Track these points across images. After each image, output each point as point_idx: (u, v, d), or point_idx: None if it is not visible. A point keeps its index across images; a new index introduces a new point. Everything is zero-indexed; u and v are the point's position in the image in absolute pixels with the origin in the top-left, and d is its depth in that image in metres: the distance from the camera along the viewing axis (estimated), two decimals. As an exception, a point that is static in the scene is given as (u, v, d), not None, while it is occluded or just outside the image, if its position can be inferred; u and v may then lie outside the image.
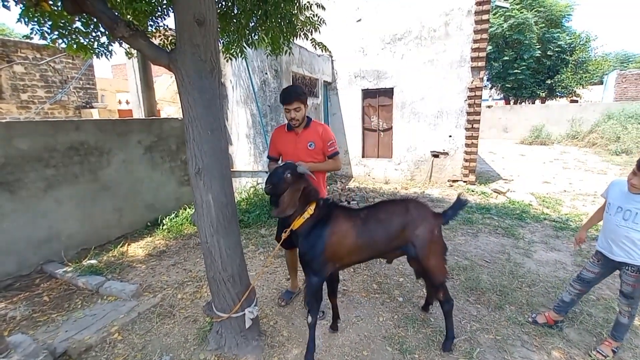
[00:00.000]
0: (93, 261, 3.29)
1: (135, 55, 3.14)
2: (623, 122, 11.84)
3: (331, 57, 7.13)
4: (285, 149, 2.51)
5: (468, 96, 6.25)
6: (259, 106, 4.76)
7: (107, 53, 3.03)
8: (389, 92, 6.98)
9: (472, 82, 6.20)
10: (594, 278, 2.15)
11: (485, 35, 5.99)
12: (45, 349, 1.96)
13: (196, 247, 3.84)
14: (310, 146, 2.44)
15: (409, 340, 2.31)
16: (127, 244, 3.82)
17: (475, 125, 6.33)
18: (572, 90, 17.02)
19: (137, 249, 3.74)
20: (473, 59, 6.11)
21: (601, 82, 18.82)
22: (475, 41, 6.05)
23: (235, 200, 4.94)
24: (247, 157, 5.12)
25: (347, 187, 6.31)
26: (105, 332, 2.31)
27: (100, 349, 2.19)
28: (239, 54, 3.43)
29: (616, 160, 9.36)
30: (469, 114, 6.31)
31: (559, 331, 2.36)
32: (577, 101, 17.39)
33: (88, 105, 6.68)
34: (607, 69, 18.00)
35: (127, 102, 6.05)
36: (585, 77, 16.66)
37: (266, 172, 4.99)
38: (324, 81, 6.82)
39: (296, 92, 2.33)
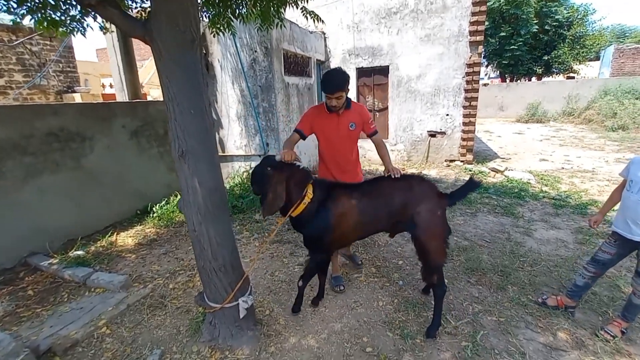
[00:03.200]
0: (80, 252, 3.15)
1: (110, 29, 2.89)
2: (620, 97, 11.73)
3: (324, 34, 6.82)
4: (326, 130, 2.44)
5: (466, 72, 6.05)
6: (249, 86, 4.53)
7: (82, 29, 2.80)
8: (384, 71, 6.74)
9: (470, 58, 5.98)
10: (610, 259, 2.06)
11: (484, 8, 5.73)
12: (27, 347, 1.85)
13: (188, 234, 3.70)
14: (351, 127, 2.43)
15: (410, 325, 2.24)
16: (116, 233, 3.68)
17: (473, 103, 6.16)
18: (569, 66, 16.78)
19: (126, 238, 3.61)
20: (471, 33, 5.86)
21: (598, 58, 18.56)
22: (473, 14, 5.79)
23: (228, 186, 4.81)
24: (239, 140, 4.93)
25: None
26: (92, 326, 2.20)
27: (87, 344, 2.08)
28: (226, 29, 3.20)
29: (613, 137, 9.29)
30: (466, 91, 6.12)
31: (565, 312, 2.30)
32: (573, 77, 17.17)
33: (70, 90, 6.35)
34: (604, 43, 17.70)
35: (111, 86, 5.77)
36: (583, 52, 16.40)
37: (259, 156, 4.84)
38: (317, 60, 6.55)
39: (338, 83, 2.23)
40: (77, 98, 6.05)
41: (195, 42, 1.80)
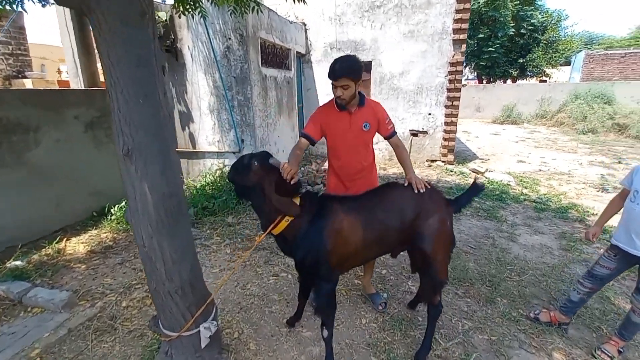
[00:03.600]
0: (18, 262, 2.71)
1: (50, 1, 2.47)
2: (590, 101, 12.15)
3: (305, 25, 6.50)
4: (336, 130, 2.09)
5: (449, 71, 5.93)
6: (223, 77, 4.16)
7: (20, 1, 2.37)
8: (367, 66, 6.50)
9: (453, 56, 5.86)
10: (608, 275, 1.92)
11: (468, 5, 5.61)
12: None
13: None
14: (365, 127, 2.08)
15: (396, 347, 2.02)
16: (65, 239, 3.24)
17: (455, 103, 6.07)
18: (542, 69, 17.32)
19: (77, 245, 3.18)
20: (455, 31, 5.74)
21: (569, 63, 19.29)
22: (457, 11, 5.67)
23: (199, 185, 4.42)
24: (211, 135, 4.55)
25: (323, 168, 5.91)
26: (23, 357, 1.82)
27: (12, 383, 1.71)
28: (195, 10, 2.84)
29: (583, 139, 9.58)
30: (449, 90, 6.01)
31: (558, 329, 2.15)
32: (546, 81, 17.75)
33: (20, 75, 5.68)
34: (575, 49, 18.39)
35: (68, 72, 5.19)
36: (555, 56, 16.95)
37: (234, 154, 4.48)
38: (297, 52, 6.23)
39: (343, 66, 1.85)
40: (29, 84, 5.41)
41: (146, 16, 1.46)
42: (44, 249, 3.00)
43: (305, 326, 2.20)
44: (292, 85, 5.95)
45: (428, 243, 1.73)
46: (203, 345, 1.74)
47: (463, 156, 7.24)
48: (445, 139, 6.26)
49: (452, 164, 6.38)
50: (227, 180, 4.30)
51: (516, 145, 8.78)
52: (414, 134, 6.45)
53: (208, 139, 4.59)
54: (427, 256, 1.75)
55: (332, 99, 2.07)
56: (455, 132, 6.21)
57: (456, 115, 6.09)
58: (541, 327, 2.18)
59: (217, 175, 4.47)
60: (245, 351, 1.99)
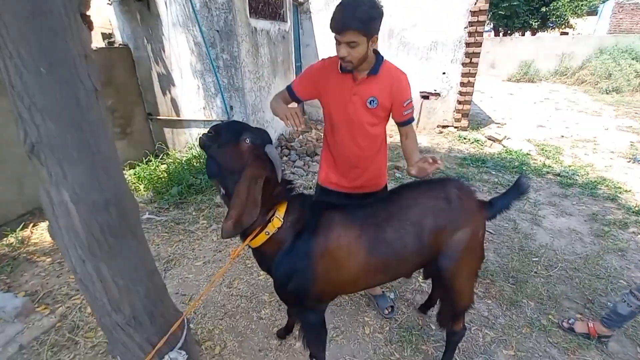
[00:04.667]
0: (-28, 256, 2.37)
1: None
2: (616, 57, 11.10)
3: (302, -33, 5.58)
4: (333, 97, 1.55)
5: (469, 22, 5.14)
6: (203, 31, 3.51)
7: None
8: (373, 17, 5.68)
9: (475, 3, 5.04)
10: None
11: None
12: None
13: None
14: (370, 104, 1.50)
15: (406, 367, 1.71)
16: (32, 224, 2.88)
17: (474, 60, 5.35)
18: (566, 20, 15.78)
19: (45, 232, 2.82)
20: (479, -28, 4.87)
21: (595, 12, 17.55)
22: (484, -54, 4.75)
23: (185, 158, 3.95)
24: (195, 101, 4.00)
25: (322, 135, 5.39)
26: (-43, 387, 1.52)
27: (-58, 423, 1.42)
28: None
29: (607, 100, 8.82)
30: (468, 45, 5.27)
31: (597, 342, 1.82)
32: (567, 34, 16.27)
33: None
34: (603, -4, 16.61)
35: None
36: (582, 5, 15.34)
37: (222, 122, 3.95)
38: (294, 0, 5.40)
39: (351, 14, 1.26)
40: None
41: None
42: (5, 238, 2.65)
43: (299, 338, 1.88)
44: (289, 41, 5.22)
45: (451, 265, 1.31)
46: (171, 378, 1.42)
47: (477, 120, 6.63)
48: (460, 102, 5.63)
49: (466, 130, 5.82)
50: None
51: (534, 107, 8.08)
52: (425, 96, 5.82)
53: (192, 105, 4.04)
54: (448, 279, 1.35)
55: (336, 57, 1.48)
56: (471, 94, 5.56)
57: (474, 75, 5.40)
58: (577, 341, 1.84)
59: (204, 146, 3.99)
60: (227, 372, 1.68)
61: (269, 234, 1.23)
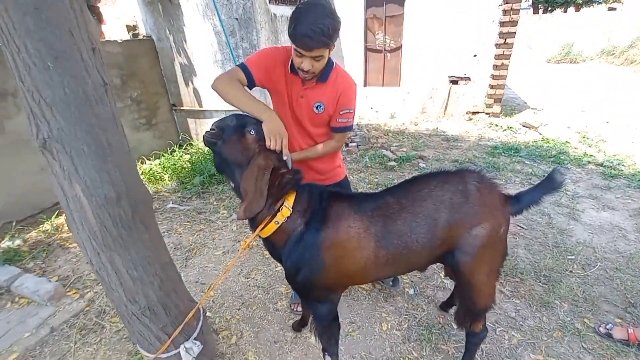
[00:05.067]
0: (12, 242, 2.54)
1: None
2: (674, 32, 9.96)
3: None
4: (281, 93, 1.48)
5: (504, -1, 4.76)
6: (222, 20, 3.48)
7: None
8: (399, -2, 5.41)
9: (511, -21, 4.65)
10: None
11: None
12: None
13: (157, 211, 3.06)
14: (317, 109, 1.48)
15: (424, 367, 1.64)
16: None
17: (509, 41, 4.97)
18: (616, -8, 14.31)
19: (78, 219, 2.97)
20: (517, -57, 4.46)
21: (651, -18, 15.75)
22: None
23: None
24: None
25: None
26: (-3, 364, 1.65)
27: (-16, 396, 1.55)
28: None
29: (662, 81, 7.97)
30: (502, 24, 4.89)
31: (637, 349, 1.66)
32: (615, 9, 14.76)
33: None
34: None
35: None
36: (635, -25, 13.79)
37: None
38: (316, -16, 5.23)
39: (321, 30, 1.20)
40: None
41: None
42: (41, 225, 2.82)
43: (311, 331, 1.86)
44: (310, 27, 5.08)
45: (468, 261, 1.24)
46: (186, 367, 1.45)
47: (511, 106, 6.23)
48: (492, 87, 5.29)
49: (498, 117, 5.48)
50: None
51: (576, 91, 7.46)
52: (454, 81, 5.52)
53: (214, 95, 4.05)
54: (466, 276, 1.28)
55: (288, 50, 1.42)
56: (505, 77, 5.20)
57: (508, 57, 5.03)
58: (615, 347, 1.69)
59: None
60: (243, 362, 1.70)
61: (278, 223, 1.21)
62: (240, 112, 1.30)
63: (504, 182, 3.44)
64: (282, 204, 1.22)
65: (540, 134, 4.75)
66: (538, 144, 4.42)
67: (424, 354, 1.71)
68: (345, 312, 1.97)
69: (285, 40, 4.21)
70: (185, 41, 3.88)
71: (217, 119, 4.33)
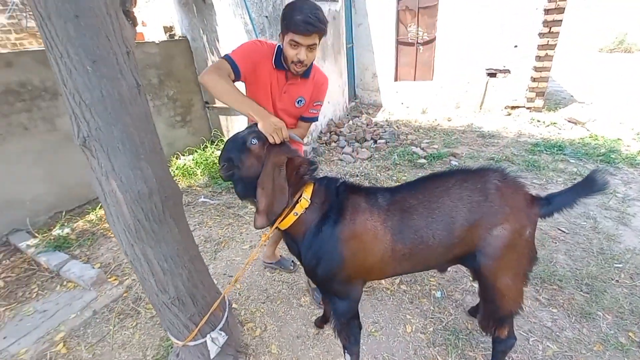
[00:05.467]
0: (62, 230, 2.78)
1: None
2: None
3: (356, -60, 5.28)
4: (264, 89, 1.53)
5: (550, -16, 4.41)
6: (253, 18, 3.54)
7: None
8: (434, -12, 5.20)
9: (559, -38, 4.29)
10: None
11: None
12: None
13: (189, 205, 3.21)
14: (298, 103, 1.60)
15: (449, 373, 1.59)
16: (109, 203, 3.26)
17: (555, 29, 4.61)
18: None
19: (119, 211, 3.18)
20: None
21: None
22: None
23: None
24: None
25: (373, 120, 5.18)
26: (48, 341, 1.82)
27: (36, 369, 1.71)
28: None
29: None
30: (547, 11, 4.54)
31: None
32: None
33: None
34: None
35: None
36: None
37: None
38: (346, -22, 5.17)
39: (316, 17, 1.30)
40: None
41: None
42: (87, 216, 3.06)
43: (331, 328, 1.86)
44: (339, 21, 5.04)
45: (490, 263, 1.20)
46: (213, 356, 1.52)
47: (555, 100, 5.80)
48: (534, 79, 4.94)
49: (541, 111, 5.12)
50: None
51: (631, 84, 6.78)
52: (492, 74, 5.23)
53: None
54: (488, 279, 1.24)
55: (271, 46, 1.47)
56: (549, 69, 4.84)
57: (553, 47, 4.67)
58: (668, 367, 1.53)
59: (255, 133, 4.12)
60: (266, 355, 1.74)
61: (297, 214, 1.24)
62: (231, 136, 1.33)
63: (545, 181, 3.22)
64: (301, 195, 1.25)
65: (587, 130, 4.38)
66: (585, 141, 4.08)
67: (450, 359, 1.66)
68: (369, 312, 1.96)
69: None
70: (217, 40, 3.99)
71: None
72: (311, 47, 1.37)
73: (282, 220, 1.25)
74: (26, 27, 4.63)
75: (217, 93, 1.35)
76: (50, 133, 2.94)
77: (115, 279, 2.29)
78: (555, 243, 2.41)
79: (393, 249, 1.22)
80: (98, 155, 1.14)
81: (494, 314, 1.32)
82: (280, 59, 1.46)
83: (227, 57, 1.41)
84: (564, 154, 3.76)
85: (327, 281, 1.32)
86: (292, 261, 2.30)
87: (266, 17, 3.55)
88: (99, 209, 3.14)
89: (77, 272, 2.24)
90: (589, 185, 1.18)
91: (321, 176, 1.35)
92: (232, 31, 3.82)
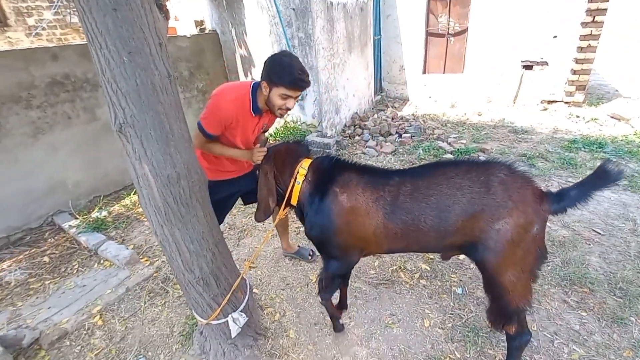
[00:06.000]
0: (100, 213, 2.98)
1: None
2: None
3: None
4: (242, 133, 1.69)
5: (596, -31, 4.11)
6: (280, 11, 3.57)
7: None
8: (466, -24, 4.99)
9: (607, -56, 3.98)
10: None
11: None
12: (3, 343, 1.66)
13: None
14: (263, 127, 1.81)
15: (466, 370, 1.57)
16: (142, 190, 3.46)
17: (599, 18, 4.30)
18: None
19: (151, 197, 3.36)
20: None
21: None
22: None
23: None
24: (274, 81, 4.16)
25: (399, 114, 5.09)
26: (86, 313, 1.98)
27: (76, 337, 1.87)
28: None
29: None
30: (591, -1, 4.24)
31: None
32: None
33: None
34: None
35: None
36: None
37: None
38: (375, -32, 5.07)
39: (306, 72, 1.52)
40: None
41: None
42: (123, 200, 3.25)
43: (354, 318, 1.89)
44: (367, 13, 4.97)
45: (491, 257, 1.20)
46: (234, 335, 1.59)
47: (598, 94, 5.42)
48: (575, 72, 4.65)
49: (581, 106, 4.82)
50: (290, 130, 3.98)
51: (689, 75, 6.20)
52: (528, 66, 4.98)
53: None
54: (490, 273, 1.24)
55: (243, 96, 1.59)
56: (591, 61, 4.53)
57: (597, 37, 4.36)
58: None
59: (280, 125, 4.18)
60: (284, 338, 1.80)
61: (299, 183, 1.44)
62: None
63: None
64: (299, 167, 1.46)
65: (632, 127, 4.07)
66: (629, 138, 3.80)
67: (468, 356, 1.64)
68: (387, 304, 1.96)
69: (339, 28, 4.17)
70: (245, 34, 4.07)
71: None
72: (297, 97, 1.58)
73: (291, 191, 1.46)
74: (70, 23, 4.95)
75: (212, 152, 1.70)
76: (91, 122, 3.15)
77: (146, 260, 2.44)
78: (589, 244, 2.28)
79: (385, 226, 1.30)
80: (132, 141, 1.21)
81: (500, 310, 1.30)
82: (256, 105, 1.60)
83: (201, 130, 1.59)
84: (604, 152, 3.53)
85: (321, 243, 1.49)
86: (311, 250, 2.35)
87: (293, 9, 3.57)
88: (133, 194, 3.33)
89: (112, 252, 2.41)
90: (603, 177, 1.13)
91: (323, 156, 1.56)
92: (260, 24, 3.88)
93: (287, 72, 1.46)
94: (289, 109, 1.59)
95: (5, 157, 2.64)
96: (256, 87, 1.59)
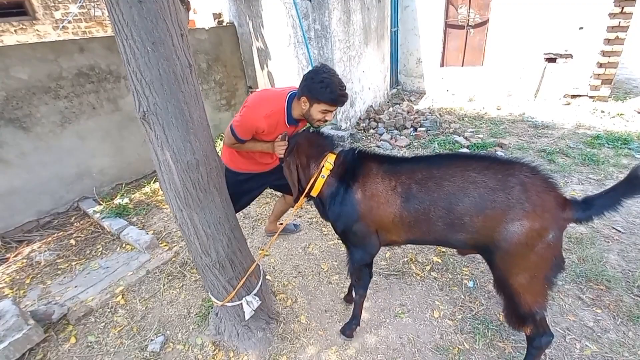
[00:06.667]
0: (122, 200, 3.11)
1: None
2: None
3: None
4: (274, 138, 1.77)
5: (628, -44, 3.91)
6: (296, 3, 3.57)
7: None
8: (489, -35, 4.84)
9: None
10: None
11: None
12: (34, 317, 1.78)
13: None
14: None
15: (475, 360, 1.59)
16: (161, 178, 3.58)
17: (628, 9, 4.10)
18: None
19: (170, 185, 3.48)
20: None
21: None
22: None
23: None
24: (289, 73, 4.20)
25: (414, 108, 5.03)
26: (109, 293, 2.09)
27: (100, 314, 1.98)
28: None
29: None
30: (622, -12, 4.04)
31: None
32: None
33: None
34: None
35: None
36: None
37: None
38: (394, -42, 4.98)
39: (345, 87, 1.56)
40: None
41: None
42: (143, 188, 3.38)
43: (364, 307, 1.92)
44: (385, 4, 4.90)
45: (502, 258, 1.20)
46: (247, 317, 1.66)
47: (625, 88, 5.20)
48: (601, 65, 4.47)
49: (606, 101, 4.64)
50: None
51: None
52: (551, 59, 4.82)
53: (286, 77, 4.25)
54: (502, 274, 1.24)
55: (278, 112, 1.65)
56: (619, 54, 4.34)
57: (625, 29, 4.17)
58: None
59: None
60: (295, 323, 1.86)
61: (324, 177, 1.47)
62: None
63: (603, 177, 2.96)
64: (324, 162, 1.46)
65: (662, 122, 3.90)
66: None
67: (477, 347, 1.65)
68: (397, 295, 1.99)
69: (356, 20, 4.14)
70: (262, 26, 4.10)
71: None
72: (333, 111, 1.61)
73: (313, 183, 1.48)
74: (94, 16, 5.10)
75: (241, 149, 1.79)
76: (114, 113, 3.27)
77: (165, 245, 2.54)
78: (608, 242, 2.23)
79: (401, 215, 1.33)
80: (155, 128, 1.27)
81: (513, 310, 1.30)
82: (291, 117, 1.66)
83: (234, 135, 1.66)
84: (629, 148, 3.41)
85: (345, 233, 1.52)
86: (293, 224, 2.61)
87: (309, 1, 3.57)
88: (153, 182, 3.45)
89: (134, 237, 2.52)
90: (636, 184, 1.05)
91: (347, 148, 1.55)
92: (276, 16, 3.90)
93: (328, 90, 1.50)
94: (328, 121, 1.65)
95: (40, 144, 2.80)
96: (292, 98, 1.64)
